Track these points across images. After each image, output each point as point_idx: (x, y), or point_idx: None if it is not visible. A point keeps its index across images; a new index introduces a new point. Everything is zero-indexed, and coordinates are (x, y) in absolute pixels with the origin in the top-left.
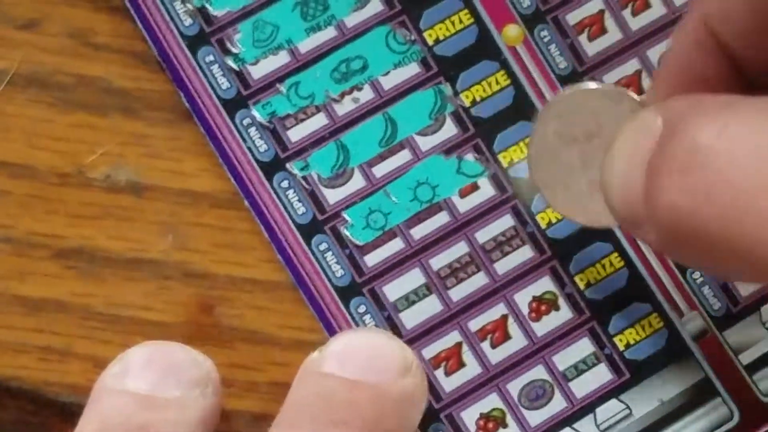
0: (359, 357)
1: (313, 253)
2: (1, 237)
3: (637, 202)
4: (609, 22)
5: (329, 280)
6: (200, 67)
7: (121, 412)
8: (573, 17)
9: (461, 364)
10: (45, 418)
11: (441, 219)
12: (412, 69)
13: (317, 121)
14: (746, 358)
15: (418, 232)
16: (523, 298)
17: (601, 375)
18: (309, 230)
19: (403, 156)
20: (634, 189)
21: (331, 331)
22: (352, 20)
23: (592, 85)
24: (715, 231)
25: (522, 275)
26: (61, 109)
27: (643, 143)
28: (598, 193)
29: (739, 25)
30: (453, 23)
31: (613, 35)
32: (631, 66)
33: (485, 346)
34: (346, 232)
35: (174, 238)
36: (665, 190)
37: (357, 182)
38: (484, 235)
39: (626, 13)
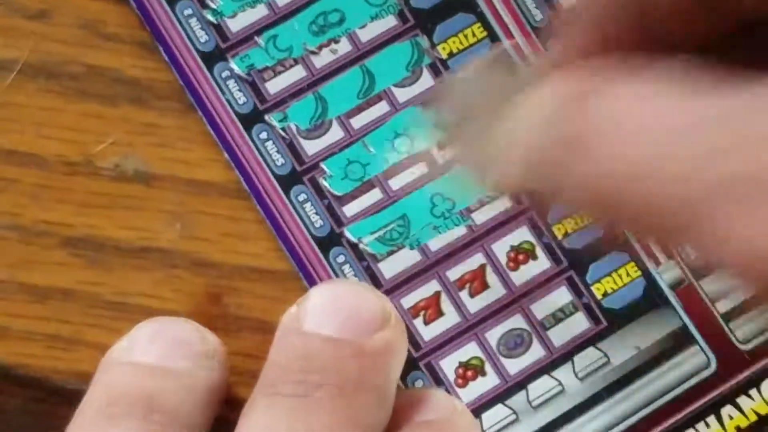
0: (338, 312)
1: (293, 204)
2: (10, 225)
3: (548, 174)
4: None
5: (308, 230)
6: (179, 21)
7: (127, 382)
8: None
9: (440, 314)
10: (52, 406)
11: (419, 169)
12: (389, 21)
13: (295, 74)
14: (723, 306)
15: (396, 182)
16: (501, 247)
17: (578, 324)
18: (288, 181)
19: (381, 107)
20: (545, 161)
21: (311, 282)
22: None
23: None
24: (624, 202)
25: (500, 225)
26: (70, 99)
27: (547, 107)
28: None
29: None
30: None
31: None
32: None
33: (464, 295)
34: (324, 183)
35: (182, 228)
36: (570, 161)
37: (335, 134)
38: None
39: None
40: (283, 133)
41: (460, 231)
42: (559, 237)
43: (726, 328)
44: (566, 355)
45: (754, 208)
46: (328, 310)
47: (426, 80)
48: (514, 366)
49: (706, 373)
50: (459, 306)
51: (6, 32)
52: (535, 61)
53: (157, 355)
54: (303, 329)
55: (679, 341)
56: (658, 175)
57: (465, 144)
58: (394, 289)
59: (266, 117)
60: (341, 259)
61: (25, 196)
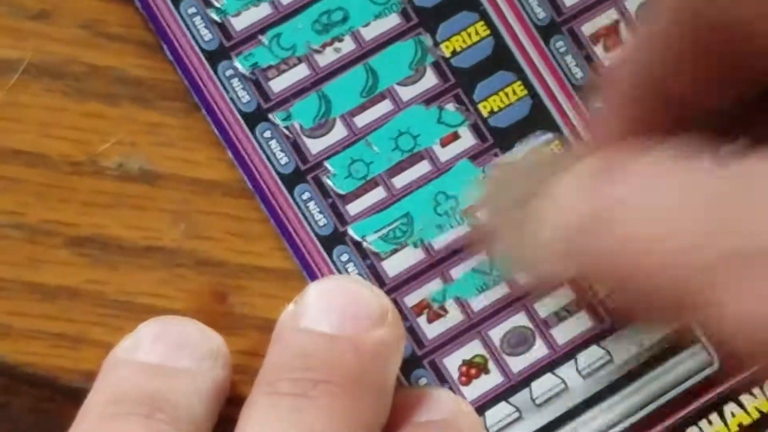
0: (335, 309)
1: (296, 203)
2: (15, 225)
3: (577, 255)
4: None
5: (312, 229)
6: (183, 19)
7: (131, 381)
8: None
9: (443, 312)
10: (58, 405)
11: (422, 168)
12: (393, 20)
13: (299, 72)
14: None
15: (400, 180)
16: None
17: (582, 322)
18: (292, 180)
19: (385, 106)
20: (575, 242)
21: (314, 280)
22: None
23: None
24: (636, 284)
25: None
26: (74, 99)
27: (570, 198)
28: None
29: (669, 65)
30: None
31: None
32: (608, 16)
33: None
34: (328, 182)
35: (186, 227)
36: (590, 245)
37: (339, 132)
38: None
39: None
40: (286, 132)
41: (463, 229)
42: None
43: None
44: (569, 353)
45: (751, 282)
46: (326, 307)
47: (429, 78)
48: (517, 364)
49: (708, 371)
50: (462, 303)
51: (9, 33)
52: (575, 148)
53: (161, 354)
54: (300, 326)
55: (682, 339)
56: (661, 252)
57: (504, 227)
58: (398, 287)
59: (270, 116)
60: (345, 257)
61: (29, 195)
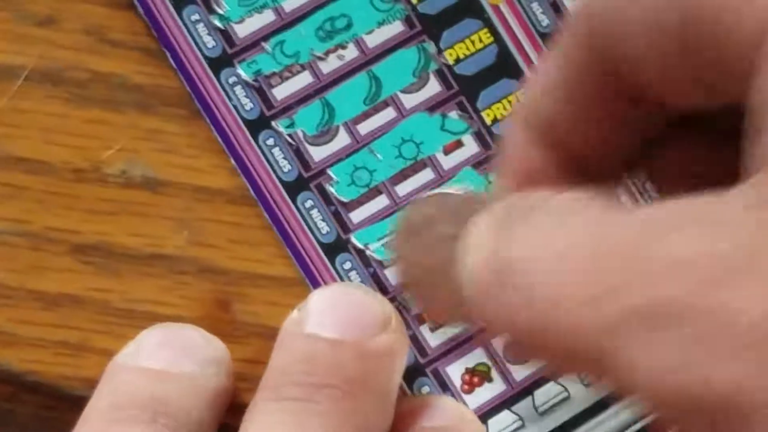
0: (339, 315)
1: (299, 210)
2: (18, 232)
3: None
4: None
5: (315, 236)
6: (185, 26)
7: (134, 387)
8: None
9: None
10: (61, 413)
11: (425, 176)
12: (396, 27)
13: (302, 80)
14: None
15: (403, 188)
16: None
17: None
18: (294, 187)
19: (388, 114)
20: (472, 298)
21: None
22: None
23: (442, 191)
24: (533, 344)
25: None
26: (77, 105)
27: (475, 252)
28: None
29: (560, 118)
30: None
31: None
32: None
33: None
34: (331, 189)
35: (189, 234)
36: (489, 303)
37: (342, 140)
38: None
39: None
40: (289, 140)
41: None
42: None
43: None
44: None
45: (651, 339)
46: (330, 313)
47: (433, 86)
48: (520, 372)
49: None
50: None
51: (12, 39)
52: (491, 188)
53: (163, 360)
54: (304, 332)
55: None
56: (561, 311)
57: (418, 275)
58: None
59: (273, 123)
60: (348, 265)
61: (33, 202)
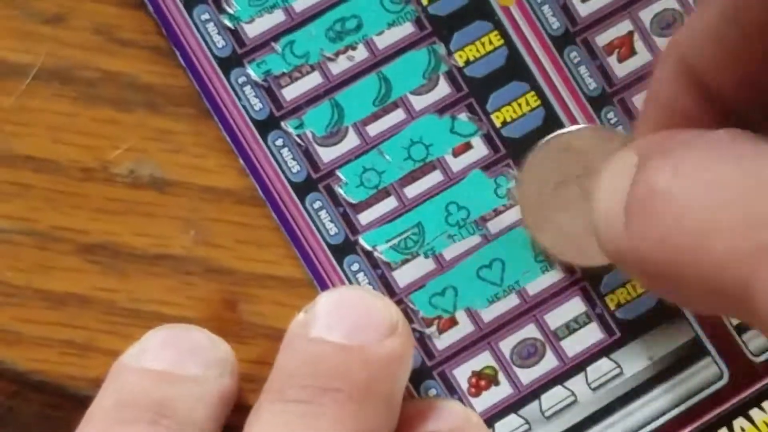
0: (346, 319)
1: (308, 212)
2: (25, 231)
3: (619, 243)
4: None
5: (323, 238)
6: (196, 26)
7: (137, 387)
8: None
9: (454, 323)
10: (67, 412)
11: (434, 178)
12: (407, 29)
13: (312, 80)
14: (736, 318)
15: (412, 190)
16: None
17: (592, 334)
18: (303, 188)
19: (397, 115)
20: (616, 229)
21: (325, 289)
22: None
23: (580, 126)
24: (675, 275)
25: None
26: (85, 104)
27: (621, 183)
28: (591, 234)
29: (711, 60)
30: None
31: None
32: (623, 27)
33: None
34: (340, 191)
35: (196, 234)
36: (631, 234)
37: (351, 141)
38: None
39: None
40: (299, 140)
41: (474, 240)
42: None
43: (739, 340)
44: (579, 365)
45: None
46: (336, 317)
47: (442, 88)
48: (527, 376)
49: (718, 385)
50: (473, 314)
51: (21, 37)
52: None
53: (168, 361)
54: (311, 335)
55: (692, 353)
56: (708, 242)
57: (549, 210)
58: (409, 296)
59: (282, 124)
60: (356, 266)
61: (40, 201)
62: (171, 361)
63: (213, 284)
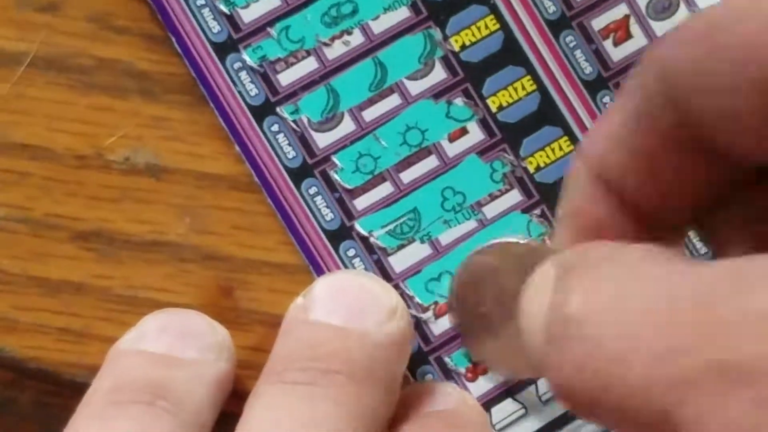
0: (345, 302)
1: (303, 197)
2: (21, 218)
3: (543, 364)
4: None
5: (319, 223)
6: (191, 11)
7: (135, 370)
8: None
9: (450, 308)
10: (64, 399)
11: (430, 163)
12: (402, 13)
13: (307, 65)
14: None
15: (408, 176)
16: None
17: None
18: (299, 174)
19: (393, 100)
20: (540, 350)
21: (321, 275)
22: None
23: (497, 242)
24: (596, 401)
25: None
26: (80, 92)
27: (540, 303)
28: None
29: (620, 168)
30: None
31: None
32: (619, 11)
33: None
34: (335, 176)
35: (192, 221)
36: (551, 357)
37: (347, 126)
38: None
39: None
40: (294, 126)
41: (471, 225)
42: None
43: None
44: None
45: (727, 396)
46: (336, 300)
47: (438, 73)
48: None
49: None
50: None
51: (16, 25)
52: (550, 240)
53: (165, 344)
54: (310, 318)
55: None
56: (625, 371)
57: (476, 328)
58: (405, 282)
59: (278, 109)
60: (351, 252)
61: (36, 189)
62: (168, 344)
63: (209, 271)
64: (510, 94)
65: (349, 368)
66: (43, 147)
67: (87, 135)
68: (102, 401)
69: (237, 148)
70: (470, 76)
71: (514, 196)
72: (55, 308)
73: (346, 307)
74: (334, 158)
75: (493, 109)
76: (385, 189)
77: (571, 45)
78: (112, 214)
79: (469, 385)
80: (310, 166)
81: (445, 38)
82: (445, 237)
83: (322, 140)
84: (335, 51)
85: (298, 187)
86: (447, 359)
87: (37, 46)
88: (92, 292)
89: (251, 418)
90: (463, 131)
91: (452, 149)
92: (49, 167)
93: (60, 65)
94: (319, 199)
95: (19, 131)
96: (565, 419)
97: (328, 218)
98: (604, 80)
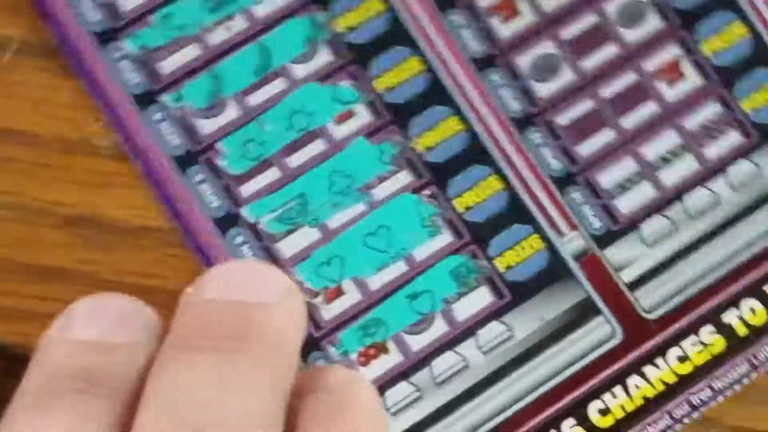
0: (240, 280)
1: (189, 185)
2: (8, 205)
3: None
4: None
5: (205, 211)
6: (70, 1)
7: (67, 358)
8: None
9: (340, 292)
10: None
11: (317, 147)
12: None
13: (190, 52)
14: (627, 275)
15: (294, 160)
16: None
17: (481, 298)
18: (184, 162)
19: (278, 84)
20: None
21: (211, 265)
22: None
23: None
24: None
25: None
26: (66, 78)
27: None
28: None
29: None
30: None
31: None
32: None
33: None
34: (221, 163)
35: None
36: None
37: (232, 112)
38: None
39: None
40: (177, 114)
41: (360, 208)
42: (461, 210)
43: (631, 298)
44: (470, 329)
45: None
46: (230, 278)
47: (323, 55)
48: (417, 342)
49: (611, 344)
50: (359, 283)
51: (3, 10)
52: None
53: (96, 330)
54: (205, 297)
55: (584, 312)
56: None
57: None
58: (294, 267)
59: (161, 97)
60: (240, 239)
61: (23, 175)
62: (98, 330)
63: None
64: (396, 75)
65: (250, 340)
66: (30, 132)
67: (74, 120)
68: (37, 392)
69: (120, 137)
70: (356, 58)
71: (404, 177)
72: (43, 294)
73: (242, 285)
74: (220, 145)
75: (381, 90)
76: (271, 174)
77: (457, 24)
78: (99, 200)
79: (362, 369)
80: (195, 154)
81: (330, 20)
82: (335, 221)
83: (206, 127)
84: (218, 37)
85: (183, 174)
86: (339, 344)
87: (23, 32)
88: (80, 278)
89: (158, 390)
90: (350, 114)
91: (339, 132)
92: (37, 153)
93: (47, 51)
94: (204, 186)
95: (6, 117)
96: (460, 400)
97: (214, 206)
98: (495, 57)
